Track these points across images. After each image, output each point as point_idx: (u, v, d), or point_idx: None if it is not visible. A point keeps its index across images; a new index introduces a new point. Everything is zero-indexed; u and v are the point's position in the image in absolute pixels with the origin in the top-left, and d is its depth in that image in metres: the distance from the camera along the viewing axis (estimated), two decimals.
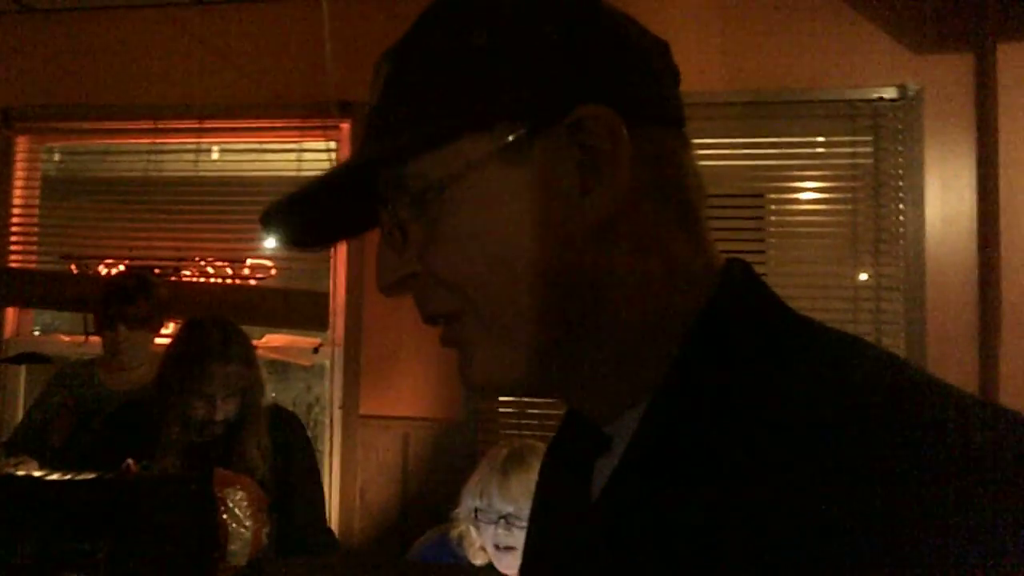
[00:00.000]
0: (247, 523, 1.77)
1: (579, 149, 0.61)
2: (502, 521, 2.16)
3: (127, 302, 2.85)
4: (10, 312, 3.79)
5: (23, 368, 3.77)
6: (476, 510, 2.21)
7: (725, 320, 0.61)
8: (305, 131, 3.67)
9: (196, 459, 2.33)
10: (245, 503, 1.78)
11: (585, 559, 0.63)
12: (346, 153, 3.64)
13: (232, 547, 1.74)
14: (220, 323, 2.44)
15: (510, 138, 0.60)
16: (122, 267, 3.73)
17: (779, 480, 0.50)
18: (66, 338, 3.88)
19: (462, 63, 0.61)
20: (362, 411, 3.51)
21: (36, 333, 4.00)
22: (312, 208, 0.69)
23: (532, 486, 2.24)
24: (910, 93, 3.28)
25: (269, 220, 0.68)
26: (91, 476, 1.65)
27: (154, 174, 3.79)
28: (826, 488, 0.48)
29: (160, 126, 3.72)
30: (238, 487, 1.80)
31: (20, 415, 3.78)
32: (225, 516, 1.74)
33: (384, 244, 0.66)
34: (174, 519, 1.67)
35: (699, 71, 3.27)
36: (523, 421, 3.38)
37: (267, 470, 2.37)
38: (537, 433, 3.19)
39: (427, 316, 0.66)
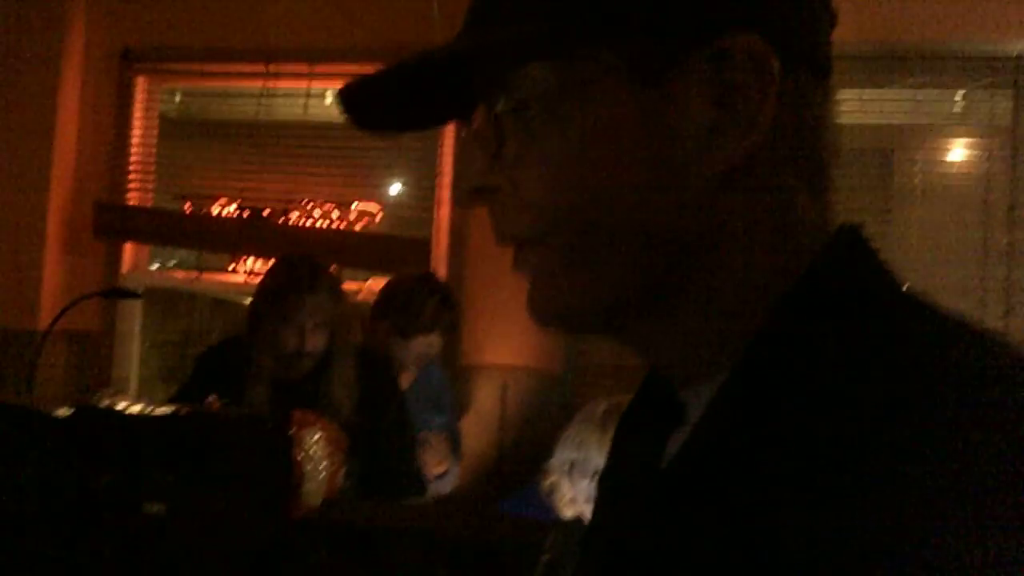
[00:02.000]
0: (323, 464, 1.77)
1: (720, 83, 0.53)
2: (598, 475, 2.11)
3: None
4: (128, 248, 3.91)
5: (139, 304, 3.89)
6: (572, 463, 2.17)
7: (819, 294, 0.54)
8: None
9: (284, 397, 2.34)
10: (322, 444, 1.78)
11: (647, 529, 0.57)
12: None
13: (306, 487, 1.74)
14: (308, 259, 2.48)
15: (645, 58, 0.53)
16: (233, 207, 3.80)
17: (845, 472, 0.45)
18: (181, 275, 4.00)
19: None
20: (462, 359, 3.49)
21: (154, 268, 4.12)
22: (398, 89, 0.61)
23: None
24: None
25: (349, 93, 0.61)
26: (169, 410, 1.66)
27: (266, 117, 3.83)
28: (897, 485, 0.43)
29: (271, 70, 3.75)
30: (316, 428, 1.80)
31: (135, 352, 3.92)
32: (300, 457, 1.74)
33: (471, 144, 0.59)
34: (249, 457, 1.68)
35: None
36: (621, 377, 3.31)
37: (353, 411, 2.37)
38: (633, 387, 3.12)
39: (502, 237, 0.60)
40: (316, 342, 2.40)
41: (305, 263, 2.49)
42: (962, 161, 3.18)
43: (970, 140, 3.17)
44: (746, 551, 0.48)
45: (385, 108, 0.63)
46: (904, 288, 0.55)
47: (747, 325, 0.54)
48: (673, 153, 0.53)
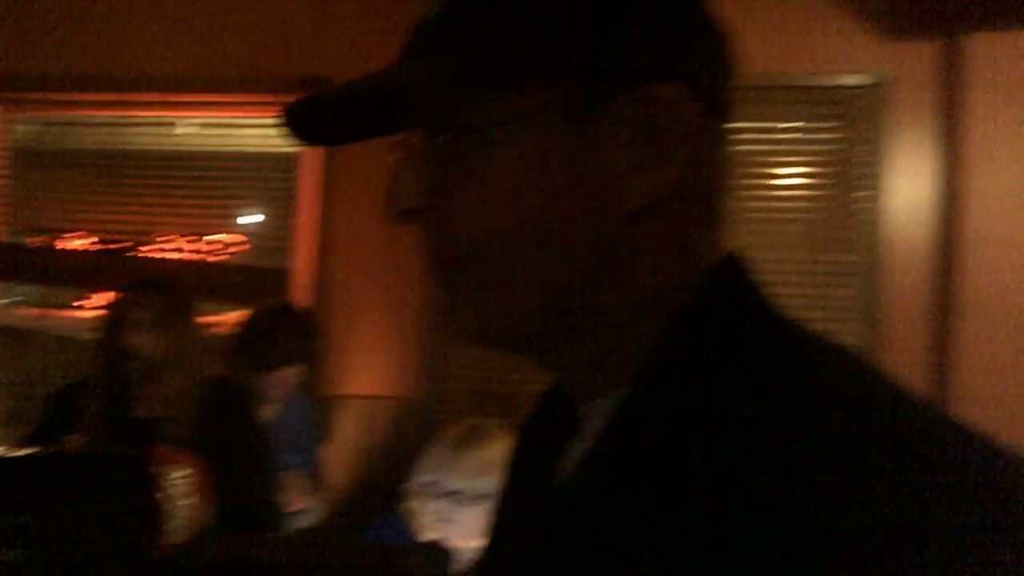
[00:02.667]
0: (187, 500, 1.78)
1: (643, 124, 0.58)
2: (450, 497, 2.18)
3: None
4: None
5: None
6: (428, 485, 2.23)
7: (702, 318, 0.60)
8: (275, 107, 3.62)
9: (141, 434, 2.32)
10: (185, 481, 1.80)
11: (544, 542, 0.62)
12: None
13: (170, 524, 1.75)
14: (146, 278, 2.52)
15: (579, 97, 0.58)
16: (87, 241, 3.72)
17: (734, 484, 0.50)
18: (26, 312, 3.87)
19: (543, 4, 0.59)
20: (324, 389, 3.51)
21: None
22: (339, 109, 0.65)
23: (483, 464, 2.28)
24: (880, 81, 3.28)
25: (292, 112, 0.65)
26: (27, 452, 1.66)
27: (121, 147, 3.77)
28: (783, 498, 0.47)
29: (126, 99, 3.70)
30: (178, 465, 1.81)
31: None
32: (164, 493, 1.75)
33: (405, 166, 0.63)
34: (111, 496, 1.68)
35: None
36: (483, 401, 3.39)
37: (202, 438, 2.33)
38: (497, 413, 3.19)
39: (432, 257, 0.64)
40: (142, 341, 2.36)
41: (141, 279, 2.52)
42: (792, 186, 3.38)
43: (802, 169, 3.38)
44: (643, 560, 0.52)
45: (323, 125, 0.67)
46: (775, 309, 0.62)
47: (645, 345, 0.60)
48: (597, 186, 0.58)
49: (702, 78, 0.60)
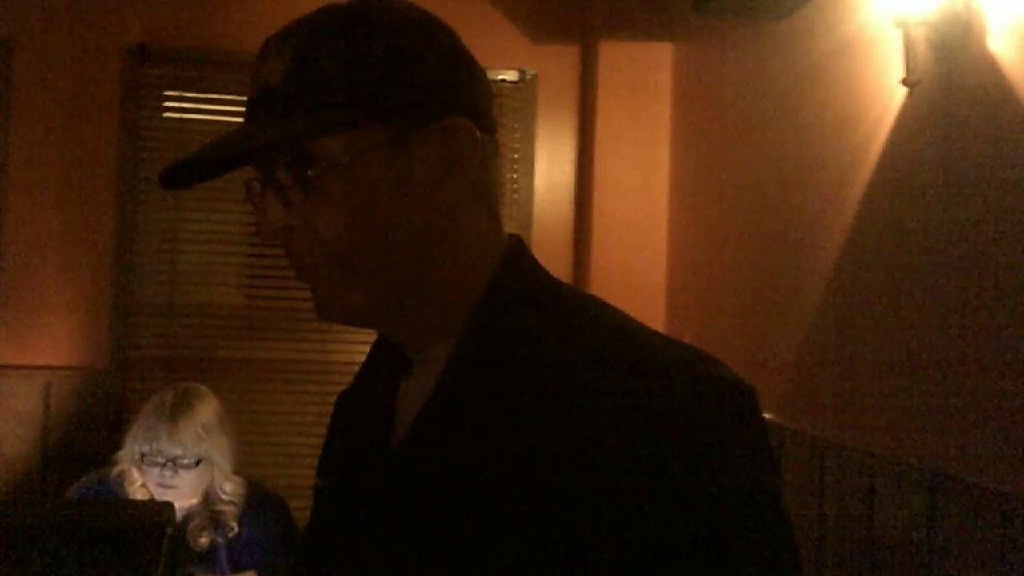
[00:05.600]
0: None
1: (444, 148, 0.78)
2: (169, 464, 2.25)
3: None
4: None
5: None
6: (143, 454, 2.27)
7: (510, 281, 0.82)
8: None
9: None
10: None
11: (394, 485, 0.80)
12: None
13: None
14: None
15: (397, 133, 0.77)
16: None
17: (552, 415, 0.72)
18: None
19: (365, 67, 0.76)
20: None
21: None
22: (208, 161, 0.80)
23: (200, 430, 2.34)
24: (527, 77, 3.74)
25: (164, 174, 0.80)
26: None
27: None
28: (589, 425, 0.70)
29: None
30: None
31: None
32: None
33: (267, 195, 0.79)
34: None
35: None
36: (169, 367, 3.48)
37: None
38: (185, 378, 3.23)
39: (298, 265, 0.81)
40: None
41: None
42: None
43: None
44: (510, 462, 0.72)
45: (194, 172, 0.82)
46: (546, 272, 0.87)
47: (464, 304, 0.82)
48: (417, 196, 0.79)
49: (478, 110, 0.82)
